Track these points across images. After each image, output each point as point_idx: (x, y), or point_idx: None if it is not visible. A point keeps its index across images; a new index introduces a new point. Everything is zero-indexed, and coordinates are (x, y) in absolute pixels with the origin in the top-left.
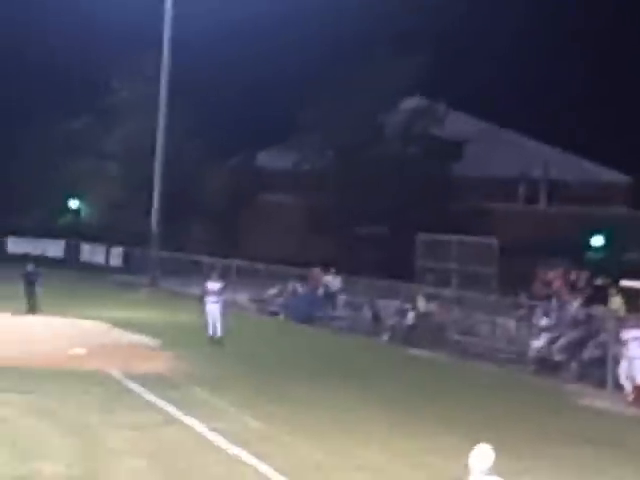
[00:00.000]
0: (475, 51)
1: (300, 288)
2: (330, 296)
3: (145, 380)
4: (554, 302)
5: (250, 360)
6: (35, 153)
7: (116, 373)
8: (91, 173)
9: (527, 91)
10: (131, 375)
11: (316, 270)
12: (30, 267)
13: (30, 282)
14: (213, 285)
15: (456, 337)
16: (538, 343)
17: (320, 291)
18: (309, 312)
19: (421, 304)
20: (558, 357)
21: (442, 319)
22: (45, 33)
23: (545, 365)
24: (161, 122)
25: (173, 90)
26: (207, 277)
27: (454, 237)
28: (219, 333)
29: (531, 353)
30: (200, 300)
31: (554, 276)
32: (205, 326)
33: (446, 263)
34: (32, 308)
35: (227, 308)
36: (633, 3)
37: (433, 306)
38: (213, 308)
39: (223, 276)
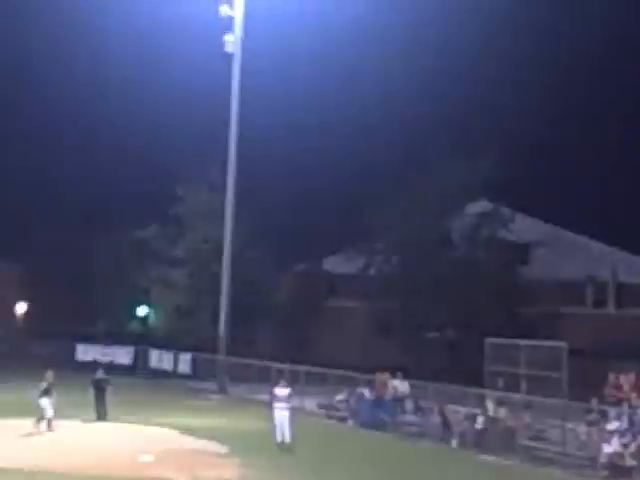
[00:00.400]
0: (540, 156)
1: (367, 393)
2: (398, 401)
3: None
4: (625, 406)
5: (318, 468)
6: (106, 262)
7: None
8: (159, 280)
9: (592, 194)
10: None
11: (383, 375)
12: (100, 374)
13: (100, 389)
14: (281, 391)
15: (526, 442)
16: (609, 448)
17: (388, 396)
18: (377, 417)
19: (490, 409)
20: (630, 462)
21: (512, 424)
22: (114, 143)
23: (617, 470)
24: (227, 229)
25: (238, 197)
26: (275, 383)
27: (522, 341)
28: (288, 439)
29: (602, 458)
30: (269, 406)
31: (625, 380)
32: (273, 433)
33: (515, 367)
34: (102, 415)
35: (295, 414)
36: None
37: (503, 411)
38: (282, 414)
39: (291, 382)
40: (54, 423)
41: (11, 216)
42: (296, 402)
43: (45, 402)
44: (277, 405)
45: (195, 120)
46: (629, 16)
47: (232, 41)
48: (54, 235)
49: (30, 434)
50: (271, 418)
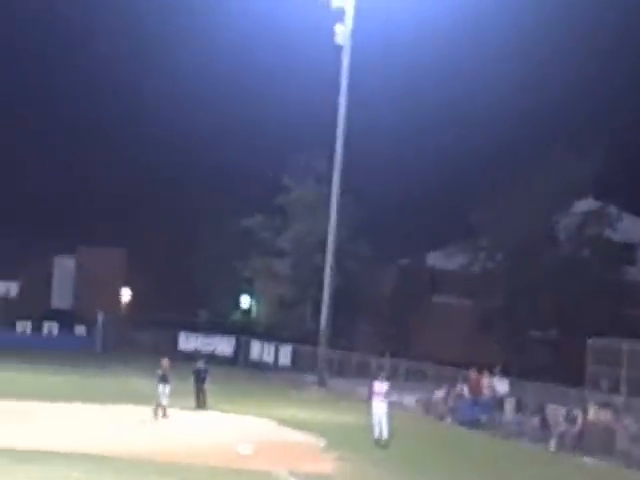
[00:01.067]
0: None
1: (466, 391)
2: (498, 400)
3: None
4: None
5: (414, 465)
6: (210, 250)
7: (282, 473)
8: (262, 271)
9: None
10: (297, 475)
11: (477, 373)
12: (200, 364)
13: (200, 379)
14: (380, 386)
15: (626, 446)
16: None
17: (486, 394)
18: (476, 416)
19: (591, 411)
20: None
21: (612, 426)
22: (223, 131)
23: None
24: (332, 220)
25: (344, 189)
26: (374, 378)
27: (625, 343)
28: (385, 435)
29: None
30: (367, 400)
31: None
32: (371, 427)
33: (618, 369)
34: (201, 404)
35: (393, 409)
36: None
37: (603, 413)
38: (379, 409)
39: (391, 377)
40: (169, 411)
41: (117, 202)
42: (395, 397)
43: (161, 389)
44: (375, 399)
45: (304, 110)
46: None
47: (342, 32)
48: (159, 223)
49: (143, 421)
50: (369, 413)
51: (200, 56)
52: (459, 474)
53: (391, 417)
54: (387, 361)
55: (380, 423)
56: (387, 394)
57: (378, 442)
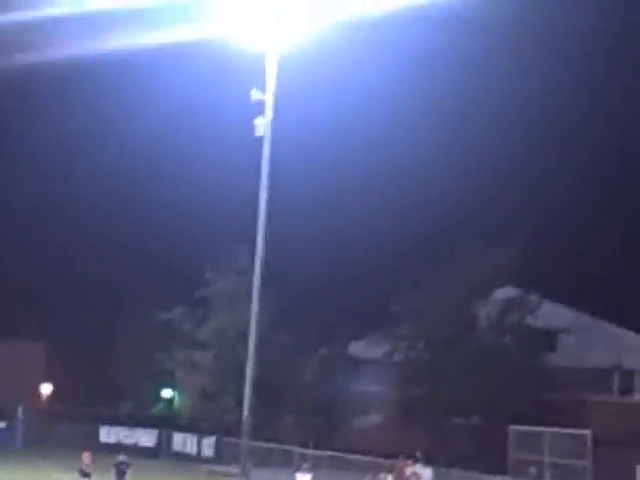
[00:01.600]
0: (568, 240)
1: (392, 479)
2: None
3: None
4: None
5: None
6: (131, 343)
7: None
8: (184, 362)
9: (621, 281)
10: None
11: (403, 461)
12: (121, 457)
13: (121, 472)
14: (303, 477)
15: None
16: None
17: None
18: None
19: None
20: None
21: None
22: (143, 224)
23: None
24: (254, 312)
25: (266, 280)
26: (297, 469)
27: (547, 429)
28: None
29: None
30: None
31: None
32: None
33: (540, 455)
34: None
35: None
36: None
37: None
38: None
39: (315, 467)
40: None
41: (35, 295)
42: None
43: None
44: None
45: (225, 203)
46: None
47: (262, 124)
48: (78, 315)
49: None
50: None
51: (120, 145)
52: None
53: None
54: (310, 451)
55: None
56: None
57: None
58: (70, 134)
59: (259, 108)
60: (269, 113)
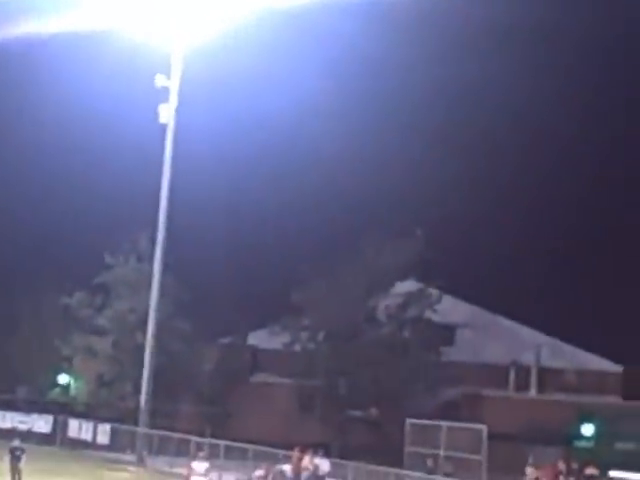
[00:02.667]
0: (469, 236)
1: (288, 470)
2: (319, 479)
3: None
4: None
5: None
6: (28, 327)
7: None
8: (82, 348)
9: (521, 278)
10: None
11: (301, 453)
12: (16, 442)
13: (15, 457)
14: (199, 465)
15: None
16: None
17: (305, 474)
18: None
19: None
20: None
21: None
22: (43, 207)
23: None
24: (154, 299)
25: (166, 267)
26: (193, 457)
27: (443, 423)
28: None
29: None
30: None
31: (544, 468)
32: None
33: (436, 449)
34: None
35: None
36: None
37: None
38: None
39: (211, 456)
40: None
41: None
42: (214, 477)
43: None
44: (194, 479)
45: (126, 189)
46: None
47: (166, 111)
48: None
49: None
50: None
51: (23, 131)
52: None
53: None
54: (207, 440)
55: None
56: (206, 473)
57: None
58: None
59: (164, 95)
60: (173, 99)
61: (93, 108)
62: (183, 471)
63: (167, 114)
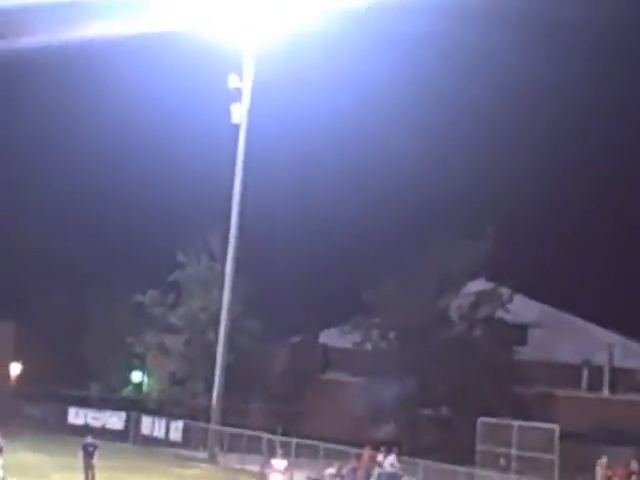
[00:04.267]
0: (540, 234)
1: (359, 469)
2: (391, 478)
3: None
4: None
5: None
6: (102, 325)
7: None
8: (154, 346)
9: (593, 277)
10: None
11: (367, 451)
12: (89, 439)
13: (88, 454)
14: (278, 463)
15: None
16: None
17: (376, 472)
18: None
19: None
20: None
21: None
22: (119, 208)
23: None
24: (226, 297)
25: (238, 266)
26: (270, 455)
27: (515, 422)
28: None
29: None
30: (260, 476)
31: (616, 468)
32: None
33: (507, 448)
34: (89, 479)
35: None
36: None
37: None
38: None
39: (283, 454)
40: None
41: (6, 274)
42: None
43: None
44: (273, 476)
45: (199, 188)
46: None
47: (239, 111)
48: (51, 296)
49: None
50: None
51: (95, 131)
52: None
53: None
54: (278, 438)
55: None
56: (285, 471)
57: None
58: (43, 121)
59: (236, 95)
60: (246, 100)
61: (167, 109)
62: (262, 469)
63: (239, 114)
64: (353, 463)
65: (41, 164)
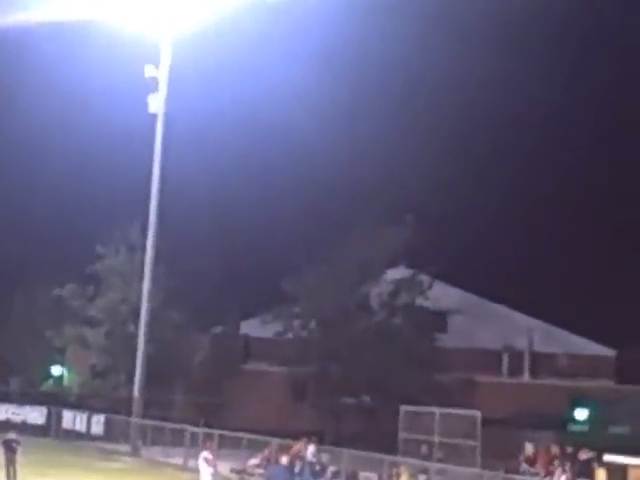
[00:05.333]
0: (459, 222)
1: (283, 458)
2: (312, 466)
3: None
4: (540, 477)
5: None
6: (19, 319)
7: None
8: (74, 339)
9: (512, 263)
10: None
11: (298, 443)
12: (11, 434)
13: (11, 449)
14: (208, 455)
15: None
16: None
17: (303, 462)
18: None
19: (404, 477)
20: None
21: None
22: (34, 198)
23: None
24: (145, 288)
25: (158, 257)
26: (203, 447)
27: (437, 409)
28: None
29: None
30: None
31: (538, 452)
32: None
33: (430, 435)
34: (11, 476)
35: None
36: None
37: (421, 478)
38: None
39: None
40: None
41: None
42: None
43: None
44: (205, 469)
45: (117, 180)
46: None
47: (155, 101)
48: None
49: None
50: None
51: (11, 124)
52: None
53: None
54: (201, 429)
55: None
56: (212, 462)
57: None
58: None
59: (153, 85)
60: (162, 89)
61: (83, 99)
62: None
63: (156, 104)
64: (277, 453)
65: None
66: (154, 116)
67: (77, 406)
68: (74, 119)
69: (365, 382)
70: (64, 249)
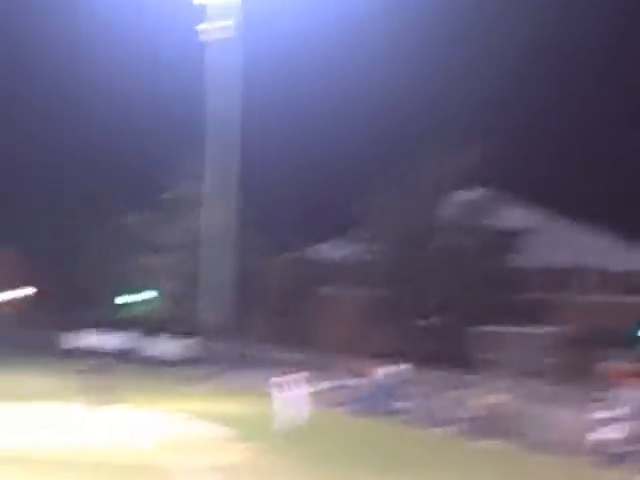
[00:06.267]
0: (534, 143)
1: (359, 381)
2: (391, 388)
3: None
4: (619, 392)
5: (320, 452)
6: (98, 248)
7: (180, 467)
8: (154, 266)
9: (582, 182)
10: (201, 467)
11: (372, 363)
12: (92, 361)
13: (94, 375)
14: (286, 378)
15: (520, 429)
16: (605, 434)
17: (380, 383)
18: (371, 404)
19: (481, 396)
20: (627, 448)
21: (504, 411)
22: (108, 127)
23: (613, 456)
24: (222, 215)
25: (229, 184)
26: (283, 371)
27: (511, 328)
28: (289, 425)
29: (597, 444)
30: (266, 392)
31: (617, 367)
32: (275, 418)
33: (504, 354)
34: (94, 401)
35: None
36: None
37: (494, 398)
38: (284, 400)
39: (287, 369)
40: None
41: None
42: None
43: None
44: (279, 391)
45: (193, 110)
46: None
47: (206, 29)
48: (46, 224)
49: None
50: (272, 403)
51: (68, 56)
52: (358, 461)
53: (295, 408)
54: (280, 353)
55: (284, 414)
56: (289, 386)
57: (281, 433)
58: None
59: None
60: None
61: (135, 31)
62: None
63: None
64: (355, 375)
65: (24, 89)
66: (233, 45)
67: (157, 332)
68: (131, 48)
69: (437, 304)
70: (134, 179)
